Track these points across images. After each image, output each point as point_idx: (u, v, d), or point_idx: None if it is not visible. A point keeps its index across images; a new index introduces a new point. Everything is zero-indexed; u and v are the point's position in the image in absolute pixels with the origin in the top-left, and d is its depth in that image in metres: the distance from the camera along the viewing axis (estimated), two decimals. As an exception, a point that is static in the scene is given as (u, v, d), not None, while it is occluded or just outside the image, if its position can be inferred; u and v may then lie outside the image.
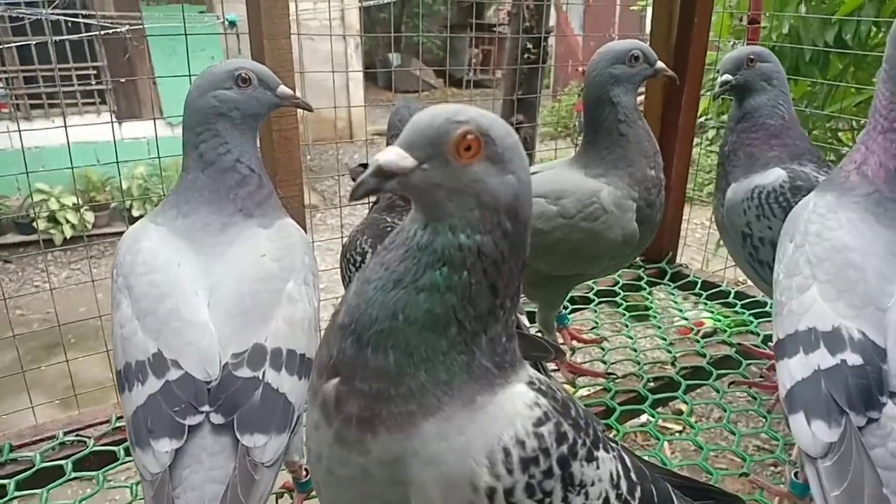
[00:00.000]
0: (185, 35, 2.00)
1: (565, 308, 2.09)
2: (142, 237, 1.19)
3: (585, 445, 0.71)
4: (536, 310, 1.82)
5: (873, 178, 1.11)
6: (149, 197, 6.54)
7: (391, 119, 1.63)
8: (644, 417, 1.66)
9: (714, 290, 2.19)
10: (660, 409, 1.66)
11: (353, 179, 1.98)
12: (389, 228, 1.45)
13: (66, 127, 2.25)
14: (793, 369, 1.05)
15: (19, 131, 2.26)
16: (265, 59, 1.58)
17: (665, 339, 1.91)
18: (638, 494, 0.77)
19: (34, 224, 6.90)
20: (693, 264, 2.77)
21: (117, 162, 2.33)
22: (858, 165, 1.16)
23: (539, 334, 1.80)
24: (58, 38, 6.12)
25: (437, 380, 0.67)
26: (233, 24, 5.02)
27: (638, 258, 2.41)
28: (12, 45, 6.45)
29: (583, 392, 1.68)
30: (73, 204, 7.03)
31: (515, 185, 0.68)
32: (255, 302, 1.12)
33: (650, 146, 1.63)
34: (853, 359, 0.99)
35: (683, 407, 1.66)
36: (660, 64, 1.63)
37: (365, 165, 1.81)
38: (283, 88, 1.26)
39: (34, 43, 6.21)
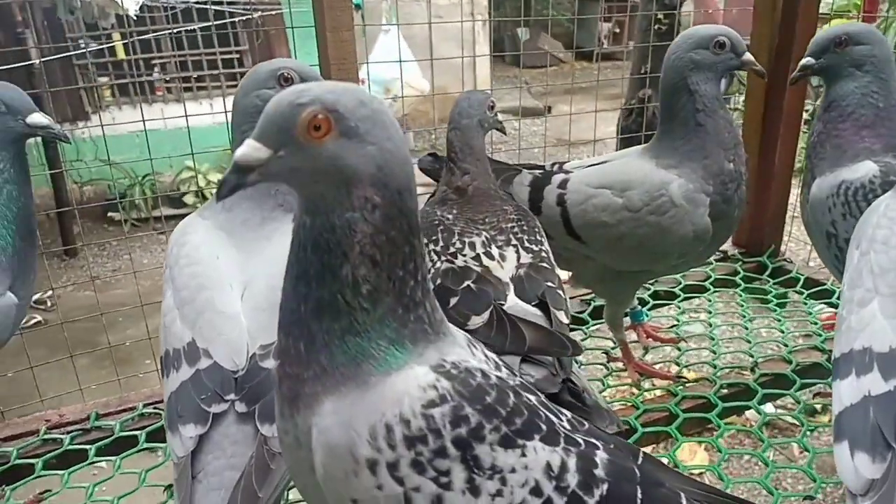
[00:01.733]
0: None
1: (645, 303, 2.00)
2: (188, 230, 1.26)
3: (500, 432, 0.70)
4: (605, 305, 1.75)
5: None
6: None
7: (451, 113, 1.60)
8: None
9: (818, 289, 2.00)
10: (728, 420, 1.54)
11: (422, 170, 1.96)
12: (437, 222, 1.44)
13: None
14: (843, 393, 0.95)
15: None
16: (328, 51, 1.60)
17: (750, 342, 1.77)
18: (600, 491, 0.73)
19: (184, 199, 7.51)
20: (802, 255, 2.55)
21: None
22: (944, 163, 1.01)
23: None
24: (204, 24, 6.53)
25: (336, 363, 0.71)
26: (358, 6, 5.17)
27: (736, 251, 2.26)
28: (166, 32, 6.96)
29: (646, 395, 1.60)
30: (218, 181, 7.56)
31: (377, 155, 0.68)
32: None
33: (730, 138, 1.51)
34: None
35: (755, 418, 1.53)
36: (748, 56, 1.51)
37: (434, 156, 1.81)
38: None
39: (184, 30, 6.66)
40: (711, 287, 2.07)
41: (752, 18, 2.07)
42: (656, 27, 5.29)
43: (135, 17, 6.64)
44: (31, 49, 5.38)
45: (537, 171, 1.71)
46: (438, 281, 1.33)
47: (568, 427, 0.77)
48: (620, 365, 1.72)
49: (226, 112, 2.05)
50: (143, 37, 6.67)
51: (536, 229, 1.47)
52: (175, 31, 6.50)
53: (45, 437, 1.53)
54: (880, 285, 0.97)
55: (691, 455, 2.49)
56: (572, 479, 0.72)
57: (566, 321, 1.29)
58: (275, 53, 7.40)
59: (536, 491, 0.70)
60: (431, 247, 1.40)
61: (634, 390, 1.64)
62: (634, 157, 1.61)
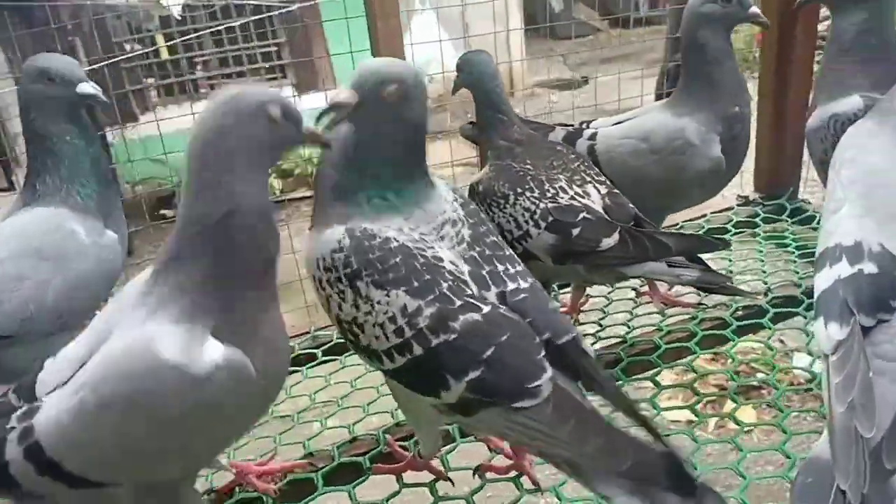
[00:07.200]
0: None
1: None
2: None
3: (373, 277, 1.08)
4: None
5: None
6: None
7: (484, 73, 1.75)
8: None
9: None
10: (749, 336, 1.74)
11: (465, 137, 2.13)
12: (522, 173, 1.61)
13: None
14: (820, 282, 1.13)
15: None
16: (379, 38, 1.86)
17: (766, 272, 1.94)
18: (447, 336, 1.05)
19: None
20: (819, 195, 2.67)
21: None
22: (904, 90, 1.17)
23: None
24: (241, 21, 6.78)
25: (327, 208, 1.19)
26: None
27: (757, 195, 2.40)
28: (207, 30, 7.24)
29: (669, 320, 1.79)
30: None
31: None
32: None
33: (735, 84, 1.72)
34: (869, 268, 1.06)
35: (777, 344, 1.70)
36: (753, 9, 1.69)
37: (473, 123, 1.99)
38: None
39: (224, 27, 6.91)
40: (732, 229, 2.23)
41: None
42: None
43: (178, 18, 6.93)
44: (79, 54, 5.69)
45: (569, 127, 1.94)
46: (550, 218, 1.54)
47: (476, 293, 1.09)
48: (648, 298, 1.92)
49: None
50: (186, 38, 6.94)
51: (589, 163, 1.68)
52: (215, 28, 6.77)
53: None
54: (849, 194, 1.14)
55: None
56: (423, 321, 1.05)
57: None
58: (312, 45, 7.60)
59: (392, 319, 1.07)
60: (528, 194, 1.57)
61: (660, 316, 1.83)
62: (655, 111, 1.84)
